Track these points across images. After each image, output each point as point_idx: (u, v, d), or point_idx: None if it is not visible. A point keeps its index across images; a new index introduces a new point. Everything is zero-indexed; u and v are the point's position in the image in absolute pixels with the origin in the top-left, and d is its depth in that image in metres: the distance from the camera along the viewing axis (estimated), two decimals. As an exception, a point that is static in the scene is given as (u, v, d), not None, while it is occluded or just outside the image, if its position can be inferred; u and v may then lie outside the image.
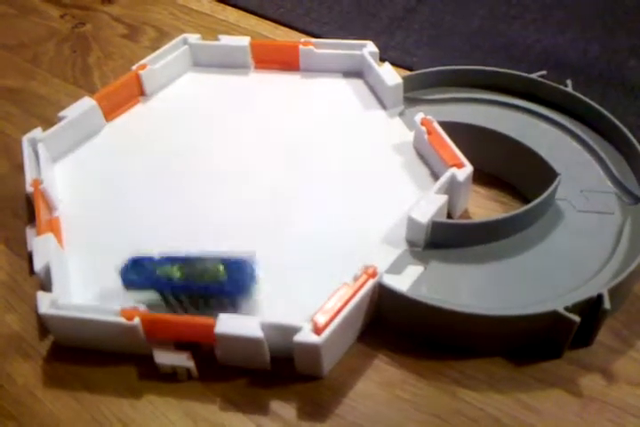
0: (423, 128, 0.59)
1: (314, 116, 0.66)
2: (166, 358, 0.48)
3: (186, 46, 0.72)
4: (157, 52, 0.71)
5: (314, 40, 0.71)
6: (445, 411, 0.46)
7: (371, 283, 0.48)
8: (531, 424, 0.45)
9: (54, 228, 0.56)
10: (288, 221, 0.57)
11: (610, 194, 0.56)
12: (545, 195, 0.53)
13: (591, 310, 0.47)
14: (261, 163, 0.62)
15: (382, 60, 0.70)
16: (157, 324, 0.47)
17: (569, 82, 0.63)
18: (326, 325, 0.45)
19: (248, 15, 0.88)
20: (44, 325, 0.50)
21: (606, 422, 0.45)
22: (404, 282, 0.50)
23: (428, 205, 0.52)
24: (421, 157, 0.61)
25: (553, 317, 0.45)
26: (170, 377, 0.49)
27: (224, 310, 0.48)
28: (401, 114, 0.65)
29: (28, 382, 0.49)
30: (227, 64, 0.73)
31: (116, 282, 0.52)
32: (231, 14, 0.89)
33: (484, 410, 0.46)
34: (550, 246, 0.53)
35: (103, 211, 0.59)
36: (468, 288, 0.50)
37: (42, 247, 0.53)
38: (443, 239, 0.53)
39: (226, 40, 0.72)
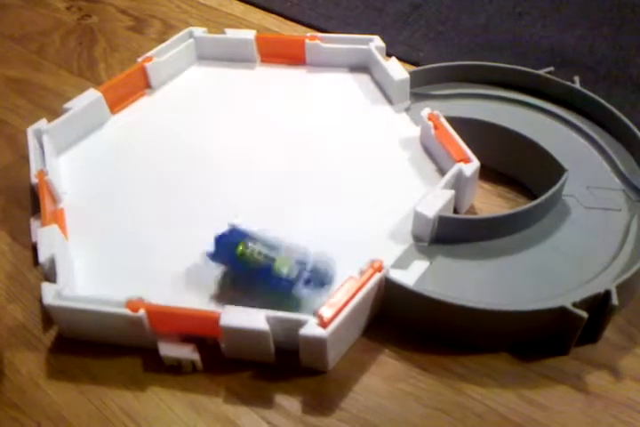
0: (430, 123, 0.59)
1: (319, 110, 0.66)
2: (171, 350, 0.48)
3: (191, 39, 0.72)
4: (163, 45, 0.71)
5: (320, 34, 0.71)
6: (449, 405, 0.46)
7: (377, 277, 0.48)
8: (535, 420, 0.45)
9: (59, 219, 0.56)
10: (294, 216, 0.56)
11: (617, 191, 0.55)
12: (552, 191, 0.53)
13: (599, 307, 0.47)
14: (267, 157, 0.62)
15: (389, 55, 0.70)
16: (162, 316, 0.47)
17: (576, 78, 0.63)
18: (332, 318, 0.45)
19: (254, 9, 0.88)
20: (49, 316, 0.50)
21: (611, 419, 0.45)
22: (409, 276, 0.50)
23: (434, 199, 0.52)
24: (428, 152, 0.61)
25: (560, 313, 0.45)
26: (175, 369, 0.49)
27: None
28: (407, 109, 0.65)
29: (32, 373, 0.49)
30: (232, 58, 0.73)
31: (120, 273, 0.53)
32: (237, 8, 0.89)
33: (488, 405, 0.46)
34: (557, 242, 0.53)
35: (107, 202, 0.59)
36: (473, 284, 0.50)
37: (47, 239, 0.53)
38: (449, 234, 0.53)
39: (232, 34, 0.72)
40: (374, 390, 0.47)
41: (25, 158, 0.61)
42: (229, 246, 0.50)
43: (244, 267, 0.49)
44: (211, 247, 0.50)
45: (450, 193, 0.53)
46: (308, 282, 0.48)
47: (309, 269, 0.49)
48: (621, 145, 0.59)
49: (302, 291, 0.48)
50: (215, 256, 0.51)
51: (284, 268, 0.48)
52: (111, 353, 0.50)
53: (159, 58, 0.69)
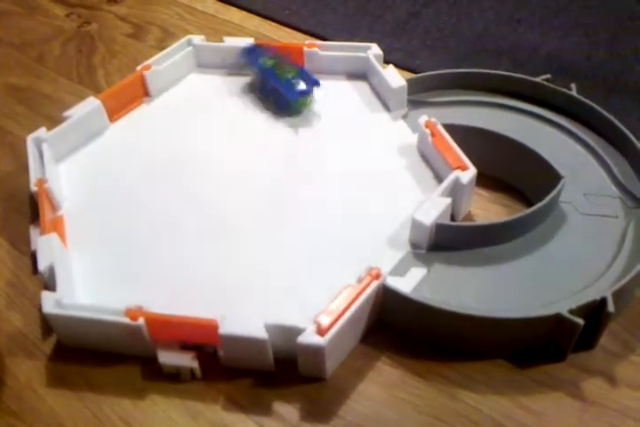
0: (427, 130, 0.59)
1: (317, 117, 0.67)
2: (170, 358, 0.48)
3: (190, 47, 0.72)
4: (162, 53, 0.71)
5: (318, 42, 0.71)
6: (446, 413, 0.46)
7: (374, 284, 0.48)
8: (531, 427, 0.45)
9: (58, 227, 0.56)
10: (291, 223, 0.57)
11: (613, 197, 0.56)
12: (549, 198, 0.53)
13: (595, 314, 0.47)
14: (265, 164, 0.62)
15: (386, 62, 0.70)
16: (161, 324, 0.47)
17: (573, 85, 0.63)
18: (330, 326, 0.45)
19: (252, 16, 0.88)
20: (48, 324, 0.50)
21: (605, 426, 0.45)
22: (407, 284, 0.50)
23: (431, 207, 0.53)
24: (425, 159, 0.61)
25: (556, 319, 0.46)
26: (173, 377, 0.49)
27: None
28: (405, 116, 0.65)
29: (31, 380, 0.50)
30: (231, 65, 0.73)
31: (119, 281, 0.53)
32: (236, 15, 0.89)
33: (484, 412, 0.46)
34: (554, 249, 0.53)
35: (107, 210, 0.59)
36: (471, 291, 0.50)
37: (46, 247, 0.53)
38: (446, 241, 0.53)
39: (230, 41, 0.72)
40: (371, 397, 0.48)
41: (24, 166, 0.61)
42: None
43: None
44: None
45: (447, 200, 0.53)
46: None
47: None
48: (618, 152, 0.59)
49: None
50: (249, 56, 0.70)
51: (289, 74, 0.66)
52: (110, 361, 0.50)
53: (158, 66, 0.69)
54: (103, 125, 0.66)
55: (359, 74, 0.71)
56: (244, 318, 0.46)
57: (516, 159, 0.60)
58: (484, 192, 0.61)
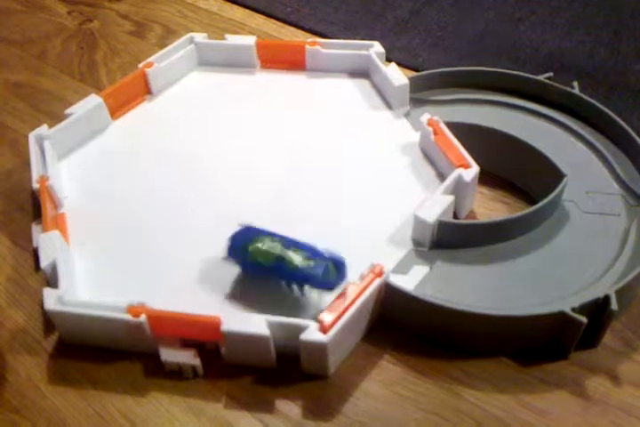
0: (429, 128, 0.59)
1: (320, 115, 0.67)
2: (172, 355, 0.48)
3: (192, 45, 0.72)
4: (164, 51, 0.71)
5: (320, 40, 0.71)
6: (448, 410, 0.46)
7: (377, 282, 0.48)
8: (533, 425, 0.45)
9: (60, 224, 0.56)
10: (294, 221, 0.56)
11: (616, 195, 0.56)
12: (552, 196, 0.53)
13: (598, 312, 0.47)
14: (267, 162, 0.62)
15: (388, 60, 0.70)
16: (163, 321, 0.47)
17: (575, 84, 0.63)
18: (332, 323, 0.45)
19: (255, 14, 0.88)
20: (50, 320, 0.50)
21: (608, 424, 0.45)
22: (410, 281, 0.50)
23: (434, 204, 0.53)
24: (427, 157, 0.61)
25: (559, 317, 0.46)
26: (175, 375, 0.49)
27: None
28: (407, 114, 0.65)
29: (33, 377, 0.50)
30: (233, 63, 0.73)
31: (121, 278, 0.53)
32: (238, 13, 0.89)
33: (486, 410, 0.46)
34: (556, 247, 0.53)
35: (108, 208, 0.59)
36: (473, 289, 0.50)
37: (48, 244, 0.53)
38: (449, 239, 0.53)
39: (232, 39, 0.72)
40: (374, 394, 0.47)
41: (26, 163, 0.61)
42: (243, 245, 0.50)
43: (253, 266, 0.50)
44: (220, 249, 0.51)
45: (449, 198, 0.53)
46: (325, 272, 0.48)
47: (327, 256, 0.49)
48: (620, 150, 0.59)
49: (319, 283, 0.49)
50: (231, 253, 0.51)
51: (297, 259, 0.48)
52: (112, 358, 0.50)
53: (160, 63, 0.69)
54: (105, 123, 0.66)
55: (361, 72, 0.71)
56: (247, 315, 0.46)
57: (518, 157, 0.60)
58: (486, 190, 0.61)
